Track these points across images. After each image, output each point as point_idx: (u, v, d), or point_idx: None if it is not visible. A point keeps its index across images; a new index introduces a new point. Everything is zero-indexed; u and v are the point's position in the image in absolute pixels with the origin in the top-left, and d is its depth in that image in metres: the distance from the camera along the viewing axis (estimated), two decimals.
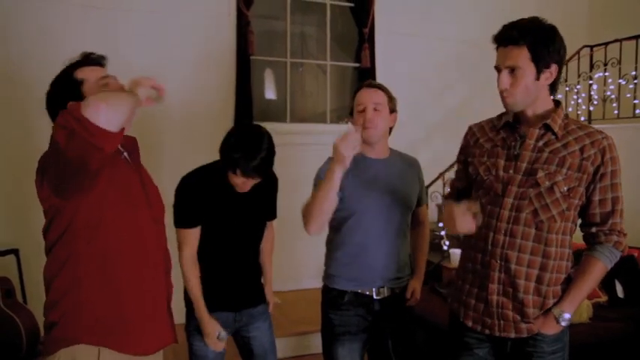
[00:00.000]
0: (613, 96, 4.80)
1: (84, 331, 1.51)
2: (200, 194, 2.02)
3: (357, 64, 4.86)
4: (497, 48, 1.64)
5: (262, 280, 2.28)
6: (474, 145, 1.82)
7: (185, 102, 4.15)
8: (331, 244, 2.16)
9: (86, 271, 1.53)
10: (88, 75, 1.59)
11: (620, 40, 4.64)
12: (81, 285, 1.53)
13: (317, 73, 5.02)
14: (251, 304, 2.17)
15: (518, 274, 1.64)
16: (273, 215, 2.29)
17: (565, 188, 1.60)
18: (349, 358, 2.09)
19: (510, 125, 1.73)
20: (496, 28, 1.65)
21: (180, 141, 4.14)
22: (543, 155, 1.63)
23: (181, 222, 2.04)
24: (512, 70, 1.59)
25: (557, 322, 1.63)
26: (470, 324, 1.76)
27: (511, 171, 1.66)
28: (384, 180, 2.08)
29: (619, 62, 4.68)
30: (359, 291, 2.08)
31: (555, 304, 1.66)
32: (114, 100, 1.39)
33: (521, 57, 1.57)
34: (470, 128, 1.89)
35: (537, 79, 1.59)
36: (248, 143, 1.90)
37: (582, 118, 5.06)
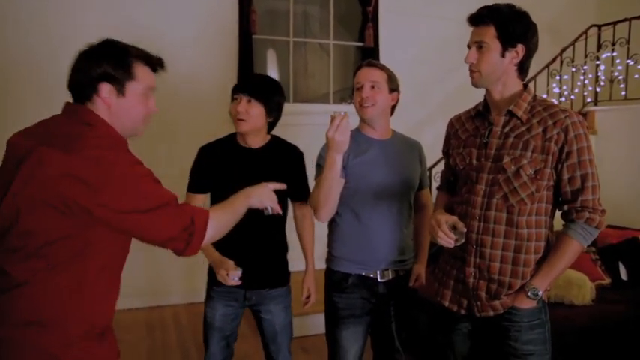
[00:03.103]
0: (620, 77, 4.75)
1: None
2: (209, 161, 2.09)
3: (360, 44, 4.80)
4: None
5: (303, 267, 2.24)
6: (453, 136, 1.89)
7: (186, 82, 4.12)
8: (334, 226, 2.14)
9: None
10: (144, 78, 1.42)
11: (629, 20, 4.57)
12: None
13: (320, 53, 4.96)
14: (263, 284, 2.12)
15: (494, 257, 1.71)
16: (301, 195, 2.18)
17: (531, 171, 1.64)
18: (353, 341, 2.09)
19: (481, 114, 1.80)
20: None
21: (182, 120, 4.12)
22: (509, 141, 1.68)
23: (189, 187, 2.13)
24: (480, 47, 1.68)
25: (527, 296, 1.67)
26: (446, 303, 1.84)
27: (482, 159, 1.73)
28: (386, 161, 2.07)
29: (627, 42, 4.62)
30: (363, 273, 2.07)
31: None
32: (230, 225, 1.52)
33: (488, 34, 1.66)
34: (450, 121, 1.95)
35: (503, 56, 1.67)
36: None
37: (589, 99, 5.02)
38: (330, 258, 2.16)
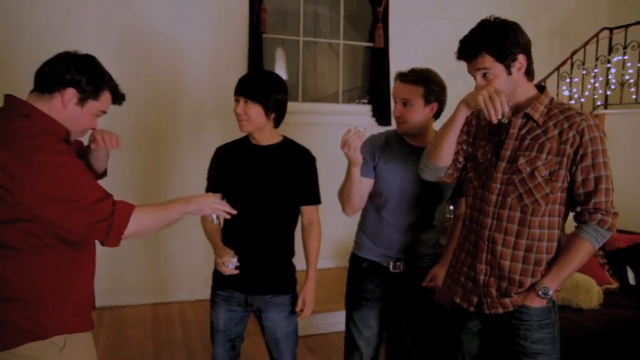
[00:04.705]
0: (632, 80, 4.72)
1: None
2: (223, 160, 2.13)
3: (370, 44, 4.80)
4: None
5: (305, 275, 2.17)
6: (482, 127, 1.87)
7: (196, 81, 4.13)
8: (361, 217, 2.29)
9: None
10: (104, 103, 1.60)
11: None
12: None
13: (329, 52, 4.96)
14: (264, 290, 2.07)
15: (504, 256, 1.73)
16: (309, 199, 2.11)
17: (546, 173, 1.66)
18: (364, 327, 2.21)
19: None
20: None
21: (191, 120, 4.14)
22: (525, 142, 1.70)
23: (207, 187, 2.16)
24: (485, 75, 1.67)
25: (538, 295, 1.69)
26: (458, 300, 1.85)
27: (498, 159, 1.74)
28: (415, 167, 2.01)
29: (639, 45, 4.58)
30: (377, 261, 2.18)
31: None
32: (158, 226, 1.53)
33: (487, 62, 1.64)
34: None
35: (510, 73, 1.66)
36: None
37: (599, 103, 4.98)
38: (354, 245, 2.31)
